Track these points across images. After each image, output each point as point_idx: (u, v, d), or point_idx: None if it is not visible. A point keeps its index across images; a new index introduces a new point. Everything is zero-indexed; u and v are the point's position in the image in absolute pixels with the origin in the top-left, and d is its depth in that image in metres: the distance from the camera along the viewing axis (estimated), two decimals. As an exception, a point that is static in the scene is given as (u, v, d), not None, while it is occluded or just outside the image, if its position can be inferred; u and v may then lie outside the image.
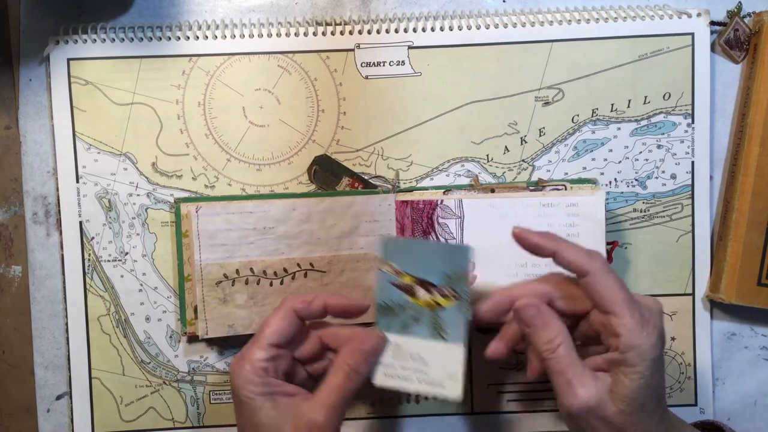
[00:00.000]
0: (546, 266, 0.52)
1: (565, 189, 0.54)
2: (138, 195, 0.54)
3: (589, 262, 0.43)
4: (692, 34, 0.54)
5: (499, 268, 0.53)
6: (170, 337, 0.55)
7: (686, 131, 0.55)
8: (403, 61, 0.54)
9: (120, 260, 0.55)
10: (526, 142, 0.55)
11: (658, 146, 0.55)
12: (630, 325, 0.41)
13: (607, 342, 0.43)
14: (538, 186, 0.54)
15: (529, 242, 0.45)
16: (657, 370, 0.42)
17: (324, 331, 0.48)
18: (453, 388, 0.46)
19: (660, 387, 0.43)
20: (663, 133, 0.55)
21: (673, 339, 0.56)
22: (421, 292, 0.47)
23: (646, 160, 0.55)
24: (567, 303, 0.45)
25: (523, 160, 0.55)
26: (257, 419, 0.43)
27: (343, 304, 0.47)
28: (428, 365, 0.46)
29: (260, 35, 0.54)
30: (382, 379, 0.46)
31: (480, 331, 0.50)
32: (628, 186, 0.55)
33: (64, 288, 0.55)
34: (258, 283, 0.53)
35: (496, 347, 0.47)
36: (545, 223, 0.52)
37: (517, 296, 0.45)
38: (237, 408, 0.45)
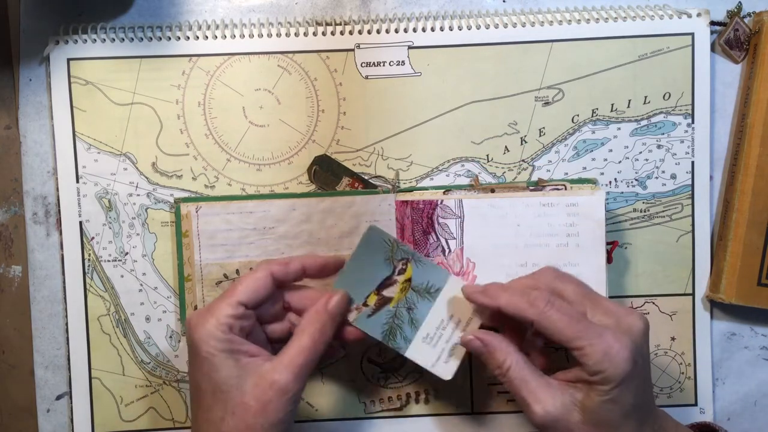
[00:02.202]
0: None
1: (565, 189, 0.54)
2: (138, 195, 0.54)
3: (529, 309, 0.44)
4: (692, 34, 0.54)
5: (499, 268, 0.53)
6: (170, 337, 0.55)
7: (686, 131, 0.55)
8: (403, 61, 0.54)
9: (120, 260, 0.55)
10: (526, 142, 0.55)
11: (658, 146, 0.55)
12: (590, 354, 0.42)
13: (578, 364, 0.44)
14: (538, 186, 0.54)
15: (473, 300, 0.47)
16: (627, 390, 0.42)
17: (290, 293, 0.48)
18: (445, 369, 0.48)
19: (633, 404, 0.43)
20: (663, 133, 0.55)
21: (673, 339, 0.56)
22: (389, 291, 0.48)
23: (646, 160, 0.55)
24: None
25: (523, 160, 0.55)
26: (217, 376, 0.42)
27: (320, 263, 0.47)
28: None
29: (260, 35, 0.54)
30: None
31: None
32: (628, 186, 0.55)
33: (64, 288, 0.55)
34: (258, 283, 0.53)
35: None
36: (545, 223, 0.52)
37: (501, 303, 0.46)
38: (194, 364, 0.44)
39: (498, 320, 0.48)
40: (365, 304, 0.48)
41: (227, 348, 0.43)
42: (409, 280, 0.49)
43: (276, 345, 0.48)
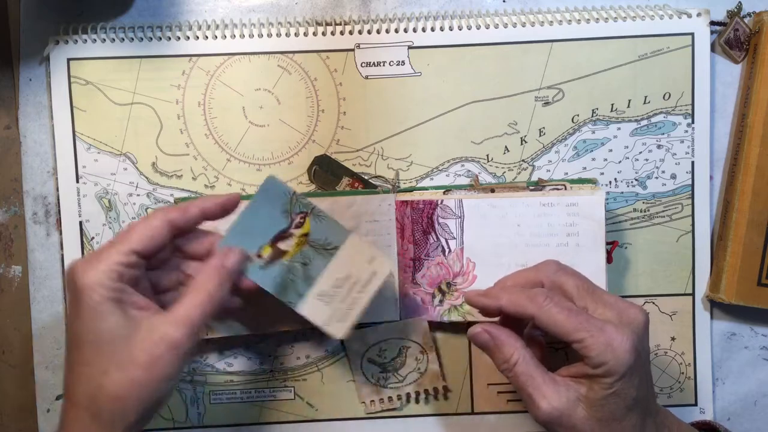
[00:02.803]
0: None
1: (565, 189, 0.54)
2: (138, 195, 0.54)
3: (530, 305, 0.44)
4: (692, 34, 0.54)
5: (499, 267, 0.53)
6: (170, 337, 0.55)
7: (686, 131, 0.55)
8: (403, 61, 0.54)
9: (120, 260, 0.55)
10: (526, 142, 0.55)
11: (658, 146, 0.55)
12: (592, 346, 0.42)
13: (581, 358, 0.44)
14: (538, 186, 0.54)
15: (475, 304, 0.47)
16: (630, 382, 0.42)
17: (183, 237, 0.45)
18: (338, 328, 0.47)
19: (635, 398, 0.43)
20: (663, 133, 0.55)
21: (673, 339, 0.56)
22: (284, 245, 0.46)
23: (646, 160, 0.55)
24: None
25: (523, 160, 0.55)
26: (103, 327, 0.39)
27: (221, 203, 0.45)
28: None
29: (260, 35, 0.54)
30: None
31: None
32: (628, 186, 0.55)
33: (64, 288, 0.55)
34: (258, 283, 0.53)
35: None
36: (545, 223, 0.52)
37: (503, 303, 0.45)
38: (75, 312, 0.40)
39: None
40: (259, 255, 0.46)
41: (116, 297, 0.40)
42: (306, 234, 0.47)
43: (161, 296, 0.45)
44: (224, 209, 0.45)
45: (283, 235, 0.47)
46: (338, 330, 0.47)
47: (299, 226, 0.47)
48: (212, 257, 0.44)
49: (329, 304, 0.47)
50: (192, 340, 0.41)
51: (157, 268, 0.45)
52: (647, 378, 0.45)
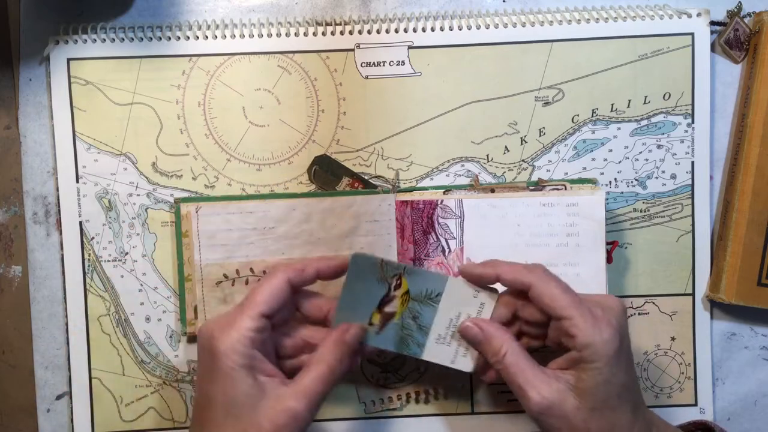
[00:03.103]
0: (546, 265, 0.53)
1: (565, 189, 0.54)
2: (138, 195, 0.54)
3: (528, 275, 0.45)
4: (692, 34, 0.54)
5: (499, 268, 0.53)
6: (170, 337, 0.55)
7: (686, 131, 0.55)
8: (403, 61, 0.54)
9: (120, 260, 0.55)
10: (526, 142, 0.55)
11: (658, 146, 0.55)
12: (580, 324, 0.43)
13: (567, 344, 0.45)
14: (538, 186, 0.54)
15: (473, 275, 0.48)
16: (617, 366, 0.43)
17: (301, 298, 0.48)
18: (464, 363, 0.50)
19: (624, 384, 0.44)
20: (663, 133, 0.55)
21: (673, 339, 0.56)
22: (390, 307, 0.48)
23: (646, 160, 0.55)
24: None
25: (523, 160, 0.55)
26: (234, 392, 0.42)
27: (334, 266, 0.47)
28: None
29: (260, 35, 0.54)
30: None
31: None
32: (628, 186, 0.55)
33: (64, 288, 0.55)
34: (258, 283, 0.53)
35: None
36: (545, 223, 0.52)
37: (501, 270, 0.47)
38: (209, 375, 0.43)
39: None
40: (371, 323, 0.48)
41: (248, 364, 0.43)
42: (407, 292, 0.48)
43: (283, 361, 0.48)
44: (338, 271, 0.48)
45: (386, 300, 0.48)
46: (466, 365, 0.49)
47: (398, 287, 0.48)
48: (332, 331, 0.46)
49: (449, 344, 0.49)
50: (313, 412, 0.43)
51: (279, 328, 0.48)
52: (632, 368, 0.46)
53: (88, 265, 0.55)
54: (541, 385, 0.44)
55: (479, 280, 0.48)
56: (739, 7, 0.55)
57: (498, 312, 0.49)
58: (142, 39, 0.54)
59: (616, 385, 0.43)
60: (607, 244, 0.54)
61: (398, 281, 0.48)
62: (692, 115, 0.55)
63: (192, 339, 0.55)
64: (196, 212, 0.52)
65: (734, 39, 0.55)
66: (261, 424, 0.42)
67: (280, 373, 0.45)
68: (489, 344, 0.46)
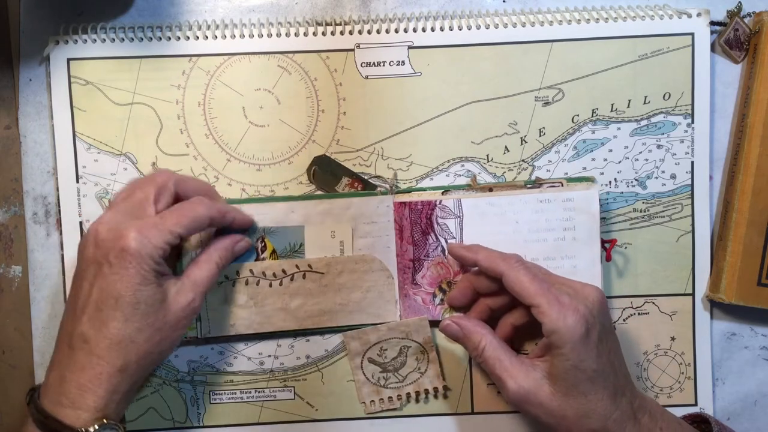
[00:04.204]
0: (543, 261, 0.53)
1: (562, 186, 0.54)
2: (138, 195, 0.54)
3: (501, 263, 0.49)
4: (692, 34, 0.54)
5: (499, 268, 0.53)
6: (170, 337, 0.55)
7: (686, 131, 0.55)
8: (403, 61, 0.54)
9: (120, 260, 0.55)
10: (526, 142, 0.55)
11: (658, 146, 0.55)
12: (547, 311, 0.45)
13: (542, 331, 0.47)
14: (536, 184, 0.54)
15: (456, 255, 0.53)
16: (585, 352, 0.45)
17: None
18: None
19: (595, 370, 0.45)
20: (663, 133, 0.55)
21: (673, 339, 0.56)
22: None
23: (646, 160, 0.55)
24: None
25: (523, 160, 0.55)
26: (145, 292, 0.44)
27: (246, 221, 0.52)
28: None
29: (260, 35, 0.54)
30: None
31: None
32: (628, 186, 0.55)
33: (64, 288, 0.55)
34: (258, 284, 0.53)
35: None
36: (543, 218, 0.53)
37: (480, 257, 0.50)
38: (115, 275, 0.44)
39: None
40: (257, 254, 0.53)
41: (158, 270, 0.45)
42: (274, 251, 0.53)
43: None
44: (245, 228, 0.52)
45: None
46: None
47: (264, 249, 0.53)
48: (225, 238, 0.51)
49: None
50: (202, 302, 0.48)
51: None
52: (610, 354, 0.47)
53: (88, 265, 0.55)
54: (518, 374, 0.47)
55: (461, 260, 0.53)
56: (739, 7, 0.55)
57: (461, 287, 0.53)
58: (142, 39, 0.54)
59: (587, 371, 0.45)
60: (606, 242, 0.54)
61: (263, 244, 0.53)
62: (692, 115, 0.55)
63: (192, 341, 0.54)
64: (196, 212, 0.52)
65: (734, 39, 0.55)
66: (166, 317, 0.46)
67: (169, 270, 0.48)
68: (468, 339, 0.50)
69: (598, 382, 0.46)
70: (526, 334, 0.54)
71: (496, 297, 0.52)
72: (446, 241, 0.54)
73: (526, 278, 0.47)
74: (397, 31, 0.54)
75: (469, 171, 0.55)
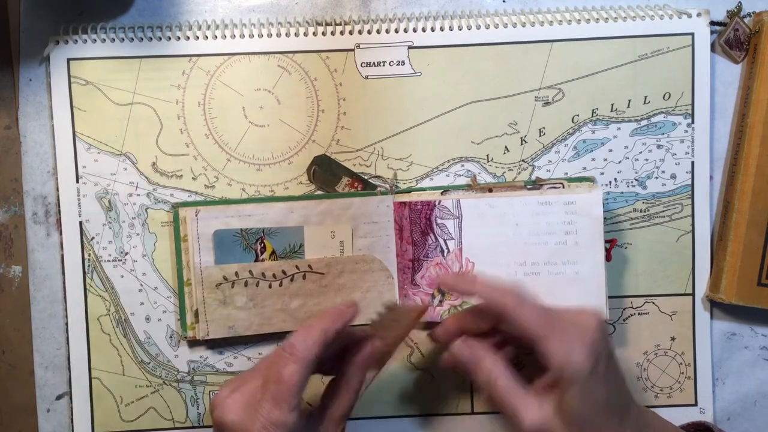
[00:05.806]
0: (544, 265, 0.53)
1: (563, 187, 0.54)
2: (138, 195, 0.54)
3: (501, 299, 0.45)
4: (692, 34, 0.54)
5: (498, 267, 0.53)
6: (170, 337, 0.55)
7: (686, 131, 0.55)
8: (403, 61, 0.54)
9: (120, 260, 0.55)
10: (526, 142, 0.55)
11: (658, 146, 0.55)
12: (554, 348, 0.43)
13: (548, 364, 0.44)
14: (536, 185, 0.54)
15: (449, 287, 0.49)
16: (596, 384, 0.43)
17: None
18: None
19: (607, 399, 0.43)
20: (663, 133, 0.55)
21: (673, 339, 0.56)
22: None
23: (646, 160, 0.55)
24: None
25: (523, 160, 0.55)
26: None
27: (341, 318, 0.46)
28: None
29: (260, 35, 0.54)
30: None
31: None
32: (628, 186, 0.55)
33: (64, 288, 0.55)
34: (257, 285, 0.53)
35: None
36: (544, 221, 0.53)
37: (477, 288, 0.46)
38: None
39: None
40: None
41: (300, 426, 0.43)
42: (273, 252, 0.52)
43: None
44: (345, 322, 0.46)
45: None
46: None
47: (264, 250, 0.53)
48: (360, 355, 0.48)
49: None
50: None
51: None
52: (617, 379, 0.45)
53: (88, 265, 0.55)
54: (532, 408, 0.44)
55: (453, 291, 0.50)
56: (739, 7, 0.55)
57: (447, 327, 0.49)
58: (142, 39, 0.54)
59: (598, 402, 0.43)
60: (606, 242, 0.54)
61: (262, 245, 0.52)
62: (692, 115, 0.55)
63: (192, 343, 0.54)
64: (196, 215, 0.52)
65: (734, 39, 0.55)
66: None
67: (306, 412, 0.45)
68: (479, 368, 0.46)
69: (608, 412, 0.44)
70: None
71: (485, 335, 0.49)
72: (445, 242, 0.54)
73: (530, 314, 0.44)
74: (397, 31, 0.54)
75: (469, 171, 0.55)
